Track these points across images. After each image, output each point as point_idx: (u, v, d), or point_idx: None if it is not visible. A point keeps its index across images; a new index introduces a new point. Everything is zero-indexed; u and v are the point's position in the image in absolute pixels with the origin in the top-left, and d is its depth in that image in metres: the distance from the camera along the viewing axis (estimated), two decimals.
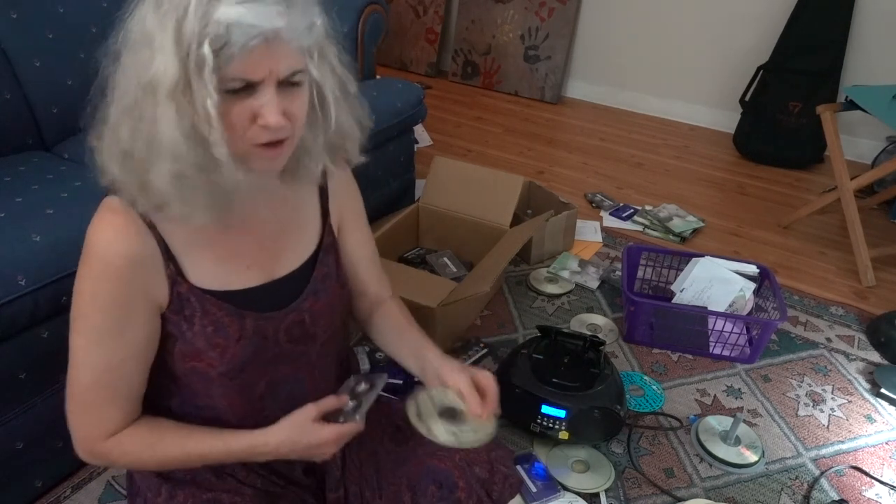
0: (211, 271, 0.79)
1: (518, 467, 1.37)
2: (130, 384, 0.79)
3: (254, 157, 0.72)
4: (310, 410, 0.82)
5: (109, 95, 0.69)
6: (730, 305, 1.77)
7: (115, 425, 0.79)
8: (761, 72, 2.87)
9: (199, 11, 0.63)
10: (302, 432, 0.82)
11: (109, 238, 0.73)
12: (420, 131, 2.92)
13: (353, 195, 0.99)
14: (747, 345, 1.75)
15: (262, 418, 0.86)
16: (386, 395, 1.11)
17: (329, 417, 0.86)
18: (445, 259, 1.98)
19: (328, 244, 0.91)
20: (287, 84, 0.69)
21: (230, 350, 0.81)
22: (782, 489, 1.40)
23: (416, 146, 2.32)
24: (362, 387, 0.91)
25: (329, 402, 0.85)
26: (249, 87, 0.67)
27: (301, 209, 0.89)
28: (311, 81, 0.73)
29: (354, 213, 0.99)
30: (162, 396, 0.85)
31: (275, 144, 0.71)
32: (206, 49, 0.63)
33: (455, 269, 1.94)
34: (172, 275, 0.77)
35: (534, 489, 1.34)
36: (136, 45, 0.67)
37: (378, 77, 2.19)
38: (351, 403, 0.88)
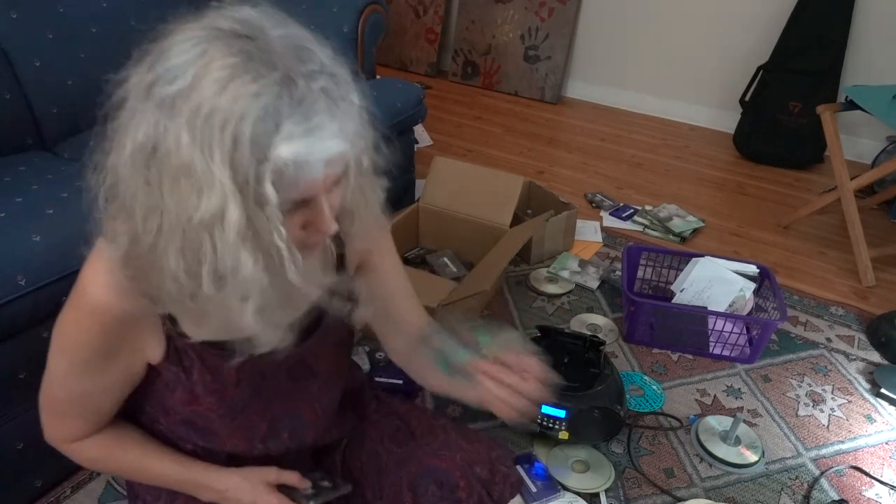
0: (212, 329, 0.73)
1: (518, 467, 1.37)
2: (101, 409, 0.80)
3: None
4: (269, 473, 0.85)
5: (120, 202, 0.61)
6: (730, 305, 1.77)
7: (81, 434, 0.80)
8: (761, 72, 2.87)
9: (256, 145, 0.55)
10: (252, 489, 0.84)
11: (102, 291, 0.67)
12: (420, 131, 2.92)
13: (379, 230, 0.91)
14: (747, 345, 1.75)
15: (265, 455, 0.87)
16: (385, 394, 1.11)
17: (284, 490, 0.87)
18: (445, 259, 1.98)
19: (335, 292, 0.84)
20: (334, 187, 0.65)
21: (228, 393, 0.80)
22: (782, 489, 1.40)
23: (416, 146, 2.32)
24: (326, 483, 0.92)
25: (290, 477, 0.86)
26: (304, 202, 0.62)
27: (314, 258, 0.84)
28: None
29: (381, 247, 0.92)
30: (171, 431, 0.85)
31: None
32: (269, 188, 0.57)
33: (455, 269, 1.94)
34: (170, 331, 0.74)
35: (534, 489, 1.34)
36: (161, 171, 0.57)
37: (378, 77, 2.19)
38: (310, 490, 0.89)
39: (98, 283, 0.67)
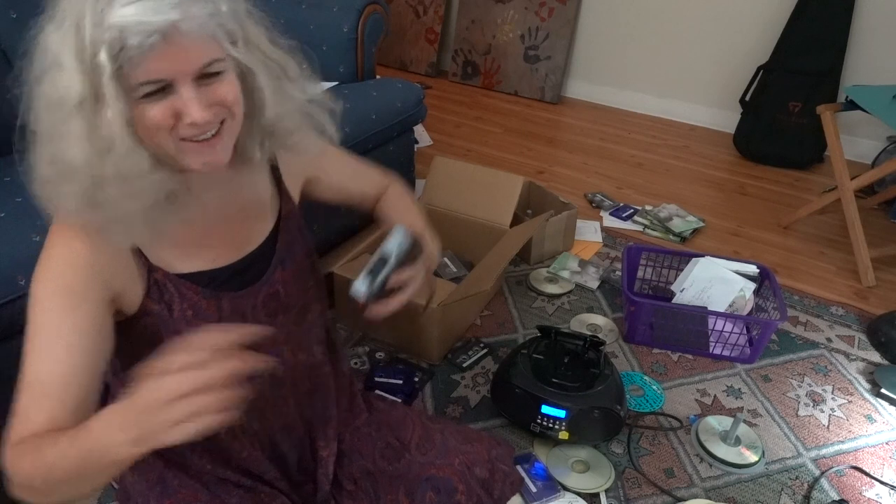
0: (177, 261, 0.79)
1: (518, 467, 1.37)
2: (63, 383, 0.70)
3: (189, 153, 0.70)
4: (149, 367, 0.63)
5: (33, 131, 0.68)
6: (730, 305, 1.77)
7: (34, 428, 0.68)
8: (761, 72, 2.87)
9: (95, 18, 0.61)
10: (135, 400, 0.61)
11: (65, 227, 0.72)
12: (420, 131, 2.92)
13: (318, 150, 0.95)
14: (747, 345, 1.75)
15: (258, 399, 0.85)
16: (385, 394, 1.11)
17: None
18: (445, 259, 1.98)
19: (287, 212, 0.91)
20: (207, 76, 0.68)
21: None
22: (782, 489, 1.40)
23: (416, 146, 2.32)
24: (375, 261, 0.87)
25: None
26: (166, 88, 0.65)
27: (257, 186, 0.89)
28: (238, 67, 0.72)
29: (324, 155, 0.97)
30: None
31: (211, 137, 0.70)
32: (103, 56, 0.61)
33: (455, 269, 1.94)
34: (146, 264, 0.76)
35: (534, 489, 1.34)
36: (45, 70, 0.65)
37: (378, 77, 2.19)
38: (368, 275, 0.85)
39: (60, 238, 0.72)
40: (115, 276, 0.74)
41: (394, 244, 0.87)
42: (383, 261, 0.86)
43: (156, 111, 0.66)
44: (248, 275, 0.86)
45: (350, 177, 1.06)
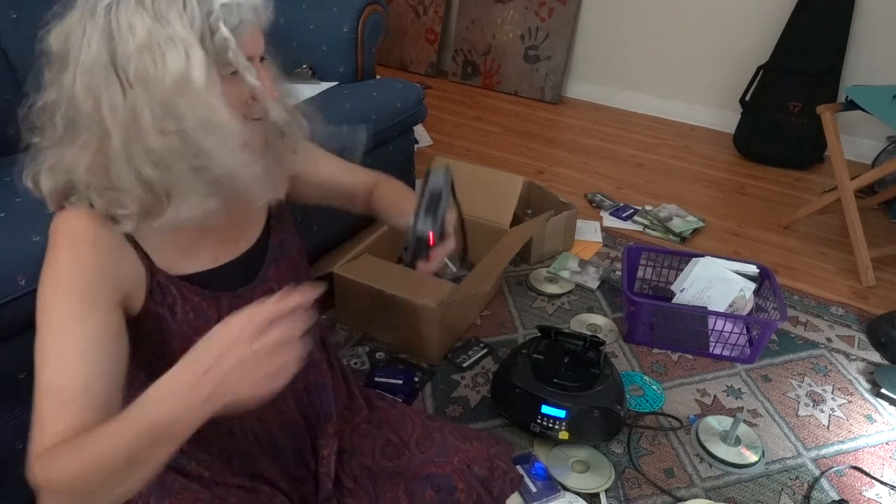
0: (178, 261, 0.80)
1: (518, 467, 1.37)
2: (82, 389, 0.68)
3: (254, 133, 0.75)
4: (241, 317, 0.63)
5: (74, 125, 0.68)
6: (730, 305, 1.77)
7: (61, 436, 0.66)
8: (761, 72, 2.87)
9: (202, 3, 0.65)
10: (200, 351, 0.62)
11: (72, 224, 0.72)
12: (420, 131, 2.92)
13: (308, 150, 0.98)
14: (747, 345, 1.75)
15: (259, 441, 0.88)
16: (378, 401, 1.11)
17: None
18: (445, 259, 1.98)
19: (277, 210, 0.93)
20: (262, 60, 0.75)
21: None
22: (782, 489, 1.40)
23: (416, 146, 2.32)
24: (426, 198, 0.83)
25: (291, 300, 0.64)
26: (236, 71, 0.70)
27: None
28: None
29: (308, 155, 0.97)
30: None
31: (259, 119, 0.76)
32: (226, 31, 0.66)
33: (455, 269, 1.94)
34: (149, 265, 0.77)
35: (534, 489, 1.34)
36: (129, 56, 0.64)
37: (378, 77, 2.19)
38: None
39: (62, 220, 0.72)
40: (122, 278, 0.74)
41: (440, 180, 0.82)
42: (435, 197, 0.80)
43: (234, 91, 0.70)
44: (244, 274, 0.87)
45: (341, 170, 1.05)
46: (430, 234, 0.81)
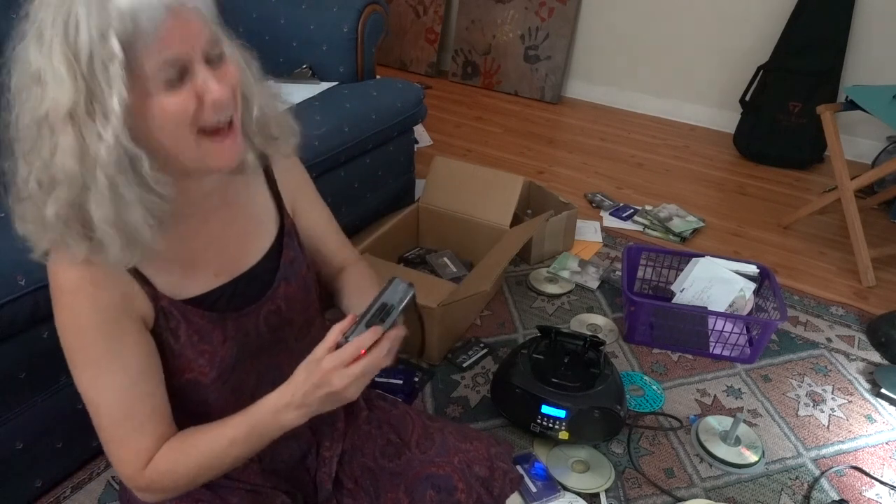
0: (180, 283, 0.79)
1: (518, 467, 1.37)
2: (152, 406, 0.77)
3: (212, 152, 0.69)
4: (315, 352, 0.76)
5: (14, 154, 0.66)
6: (730, 305, 1.76)
7: (149, 453, 0.76)
8: (761, 72, 2.87)
9: (94, 14, 0.60)
10: (309, 371, 0.75)
11: (69, 270, 0.71)
12: (420, 131, 2.92)
13: (300, 173, 0.98)
14: (747, 345, 1.75)
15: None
16: (379, 401, 1.10)
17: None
18: (445, 259, 1.98)
19: (289, 228, 0.92)
20: (213, 60, 0.68)
21: (218, 354, 0.81)
22: (782, 489, 1.40)
23: (416, 146, 2.32)
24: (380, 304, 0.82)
25: (333, 334, 0.76)
26: (181, 76, 0.65)
27: (254, 202, 0.89)
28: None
29: (305, 191, 0.97)
30: None
31: (227, 129, 0.70)
32: (114, 43, 0.60)
33: (455, 269, 1.94)
34: (151, 292, 0.76)
35: (534, 489, 1.34)
36: (25, 89, 0.63)
37: (378, 77, 2.19)
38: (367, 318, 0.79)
39: (59, 270, 0.71)
40: (133, 306, 0.75)
41: (396, 295, 0.82)
42: (385, 310, 0.80)
43: (178, 98, 0.65)
44: (249, 292, 0.86)
45: (331, 231, 1.02)
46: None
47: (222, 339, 0.81)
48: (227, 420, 0.78)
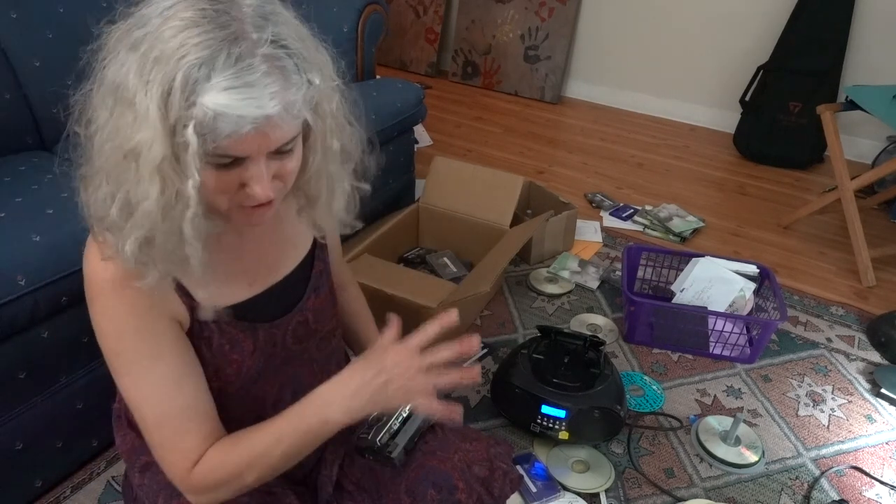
0: (216, 293, 0.79)
1: (518, 467, 1.37)
2: (195, 406, 0.76)
3: (235, 215, 0.71)
4: (383, 338, 0.74)
5: (87, 143, 0.68)
6: (730, 305, 1.76)
7: (196, 453, 0.75)
8: (761, 72, 2.87)
9: (186, 89, 0.59)
10: (368, 359, 0.73)
11: (110, 270, 0.70)
12: (420, 131, 2.92)
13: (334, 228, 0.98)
14: (747, 345, 1.75)
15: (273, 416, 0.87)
16: None
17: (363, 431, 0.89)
18: (445, 259, 1.98)
19: (322, 241, 0.93)
20: (280, 151, 0.67)
21: (245, 364, 0.82)
22: (782, 489, 1.40)
23: (416, 146, 2.32)
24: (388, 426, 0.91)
25: (425, 335, 0.75)
26: (238, 161, 0.65)
27: (291, 217, 0.88)
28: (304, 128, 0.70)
29: (330, 243, 0.99)
30: None
31: (263, 206, 0.70)
32: (191, 133, 0.59)
33: (455, 269, 1.94)
34: (188, 302, 0.76)
35: (534, 489, 1.34)
36: (116, 102, 0.63)
37: (378, 77, 2.19)
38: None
39: (105, 273, 0.71)
40: (171, 311, 0.75)
41: (418, 421, 0.92)
42: (407, 428, 0.90)
43: (223, 179, 0.65)
44: (280, 302, 0.86)
45: (338, 261, 1.03)
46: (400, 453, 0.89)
47: (252, 349, 0.82)
48: (276, 416, 0.76)
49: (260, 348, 0.83)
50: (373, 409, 0.73)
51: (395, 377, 0.71)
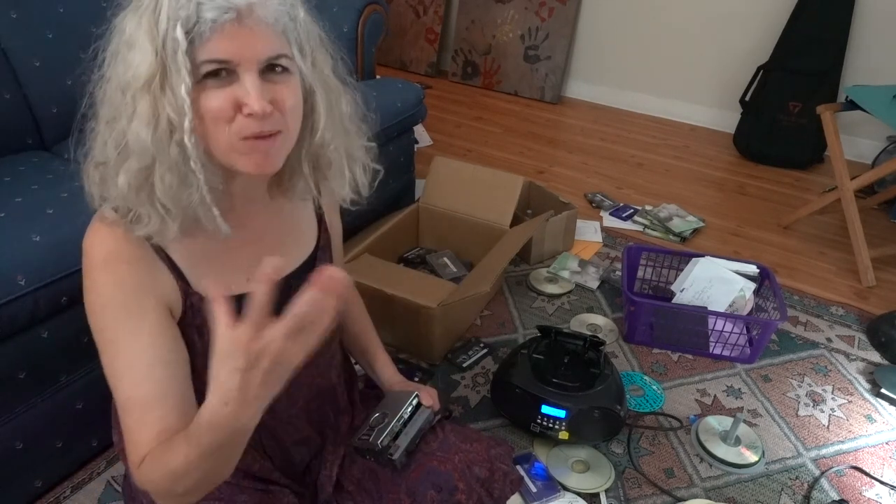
0: (213, 283, 0.78)
1: (518, 467, 1.37)
2: (164, 397, 0.72)
3: (242, 155, 0.68)
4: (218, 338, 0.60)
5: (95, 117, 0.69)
6: (730, 305, 1.76)
7: (148, 448, 0.71)
8: (761, 72, 2.87)
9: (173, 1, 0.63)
10: (238, 356, 0.58)
11: (107, 244, 0.71)
12: (420, 131, 2.92)
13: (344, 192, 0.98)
14: (747, 345, 1.75)
15: (268, 419, 0.86)
16: (376, 401, 1.10)
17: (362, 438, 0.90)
18: (445, 259, 1.98)
19: (325, 242, 0.92)
20: (272, 70, 0.67)
21: None
22: (782, 489, 1.40)
23: (416, 146, 2.32)
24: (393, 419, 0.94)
25: (255, 300, 0.59)
26: (229, 74, 0.65)
27: (298, 214, 0.89)
28: (301, 77, 0.71)
29: (335, 206, 0.98)
30: None
31: (264, 136, 0.67)
32: (179, 31, 0.62)
33: (455, 269, 1.94)
34: (183, 286, 0.76)
35: (534, 489, 1.34)
36: (117, 52, 0.66)
37: (378, 77, 2.19)
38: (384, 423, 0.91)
39: (102, 247, 0.71)
40: (161, 293, 0.74)
41: (421, 421, 0.94)
42: (410, 429, 0.93)
43: (216, 99, 0.65)
44: (277, 300, 0.85)
45: (339, 248, 1.02)
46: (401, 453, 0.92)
47: None
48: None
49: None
50: (274, 389, 0.62)
51: (266, 359, 0.59)
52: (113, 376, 0.73)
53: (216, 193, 0.70)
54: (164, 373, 0.73)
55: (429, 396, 1.00)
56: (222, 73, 0.65)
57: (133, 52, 0.64)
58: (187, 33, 0.63)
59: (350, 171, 0.83)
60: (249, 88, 0.65)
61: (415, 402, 0.96)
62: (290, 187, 0.81)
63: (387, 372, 1.10)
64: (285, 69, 0.69)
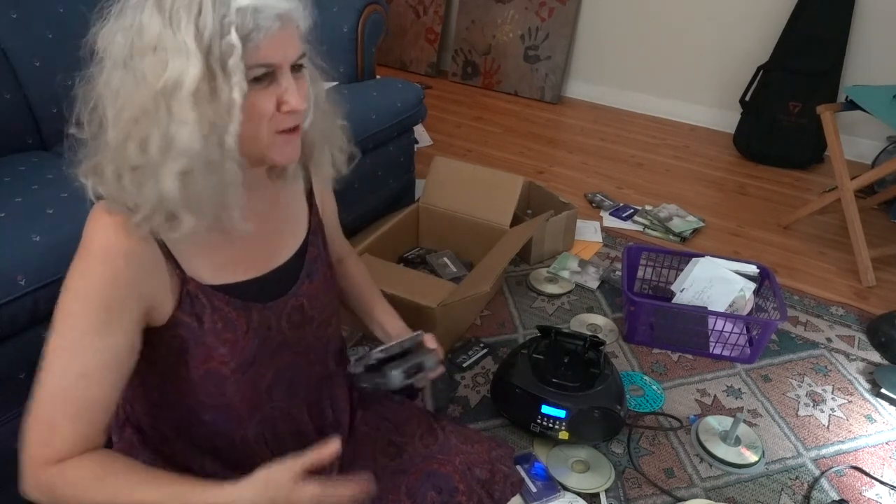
0: (210, 273, 0.79)
1: (518, 467, 1.37)
2: (96, 402, 0.72)
3: (274, 147, 0.74)
4: (292, 467, 0.70)
5: (102, 121, 0.69)
6: (730, 305, 1.77)
7: (66, 448, 0.71)
8: (761, 72, 2.87)
9: (217, 3, 0.64)
10: (278, 490, 0.69)
11: (110, 236, 0.71)
12: (420, 131, 2.92)
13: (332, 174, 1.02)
14: (747, 345, 1.75)
15: (269, 409, 0.87)
16: (376, 400, 1.10)
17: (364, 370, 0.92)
18: (445, 259, 1.98)
19: (315, 226, 0.93)
20: (295, 69, 0.73)
21: (240, 344, 0.81)
22: (782, 489, 1.40)
23: (416, 146, 2.32)
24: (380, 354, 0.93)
25: (314, 457, 0.72)
26: (270, 75, 0.70)
27: (291, 202, 0.91)
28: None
29: (328, 187, 1.01)
30: (172, 408, 0.85)
31: (292, 130, 0.74)
32: (234, 37, 0.64)
33: (455, 269, 1.94)
34: (181, 275, 0.76)
35: (534, 489, 1.34)
36: (139, 55, 0.66)
37: (378, 77, 2.19)
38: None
39: (103, 236, 0.71)
40: (150, 291, 0.74)
41: (430, 362, 0.94)
42: (415, 369, 0.92)
43: (266, 100, 0.70)
44: (277, 287, 0.86)
45: (334, 225, 1.06)
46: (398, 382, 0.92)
47: (245, 329, 0.81)
48: (159, 478, 0.73)
49: (254, 329, 0.82)
50: None
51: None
52: (56, 360, 0.71)
53: (239, 189, 0.73)
54: (108, 380, 0.72)
55: (433, 340, 1.00)
56: (265, 75, 0.69)
57: (168, 55, 0.64)
58: (244, 38, 0.65)
59: (329, 149, 0.89)
60: (290, 88, 0.71)
61: (418, 340, 0.96)
62: (283, 169, 0.85)
63: (389, 320, 1.10)
64: (302, 66, 0.75)
